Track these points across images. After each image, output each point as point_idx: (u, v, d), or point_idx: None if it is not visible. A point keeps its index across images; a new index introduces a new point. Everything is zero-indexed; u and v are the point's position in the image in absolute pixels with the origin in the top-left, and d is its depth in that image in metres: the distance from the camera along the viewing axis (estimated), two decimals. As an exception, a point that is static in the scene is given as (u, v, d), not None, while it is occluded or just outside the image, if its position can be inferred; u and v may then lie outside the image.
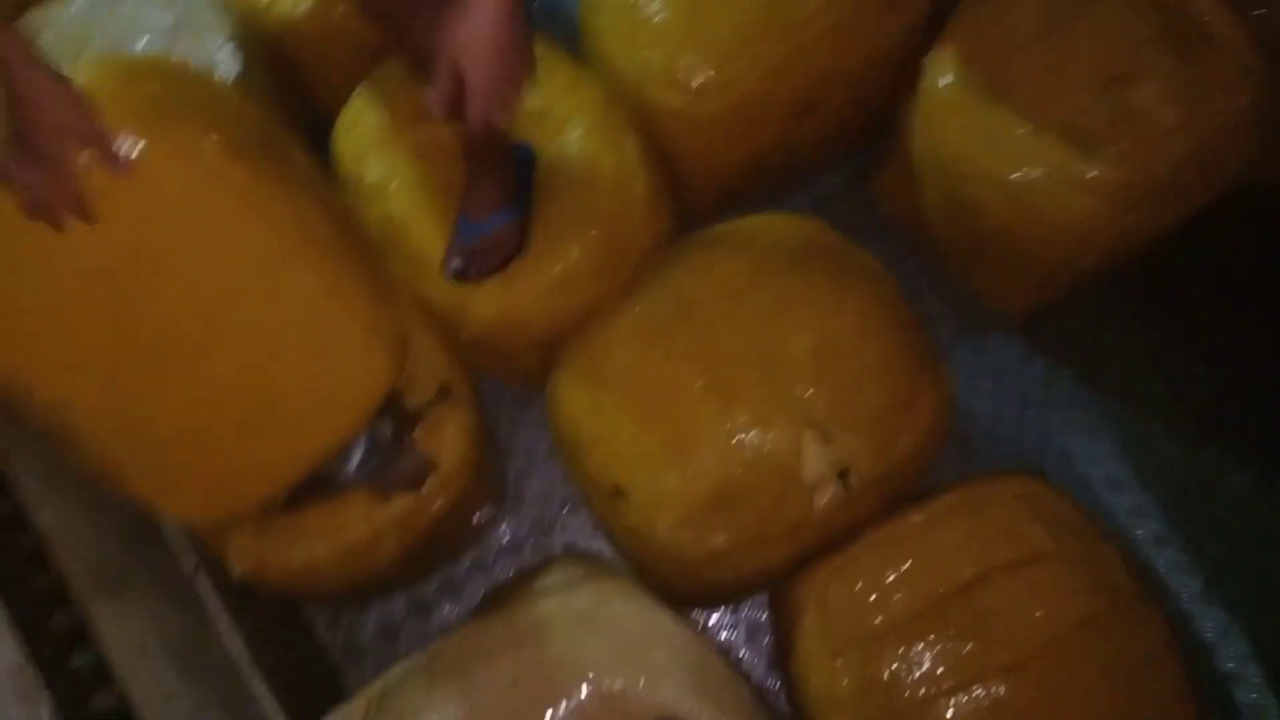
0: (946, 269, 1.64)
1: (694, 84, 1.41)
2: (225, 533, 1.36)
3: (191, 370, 1.12)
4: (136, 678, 1.06)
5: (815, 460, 1.22)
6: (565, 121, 1.45)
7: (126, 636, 1.11)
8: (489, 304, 1.39)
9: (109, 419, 1.11)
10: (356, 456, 1.35)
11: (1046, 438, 1.64)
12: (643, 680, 0.96)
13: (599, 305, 1.40)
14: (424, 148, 1.45)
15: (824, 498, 1.24)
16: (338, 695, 1.62)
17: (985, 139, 1.36)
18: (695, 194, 1.59)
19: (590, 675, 0.94)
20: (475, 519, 1.62)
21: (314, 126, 1.59)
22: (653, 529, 1.26)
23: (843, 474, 1.24)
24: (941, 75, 1.41)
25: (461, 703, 0.96)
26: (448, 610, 1.66)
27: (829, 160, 1.74)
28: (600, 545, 1.65)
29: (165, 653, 1.19)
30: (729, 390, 1.23)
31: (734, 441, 1.21)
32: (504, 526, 1.70)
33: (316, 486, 1.34)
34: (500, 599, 1.36)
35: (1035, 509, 1.29)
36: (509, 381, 1.68)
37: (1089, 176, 1.29)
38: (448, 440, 1.37)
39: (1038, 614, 1.18)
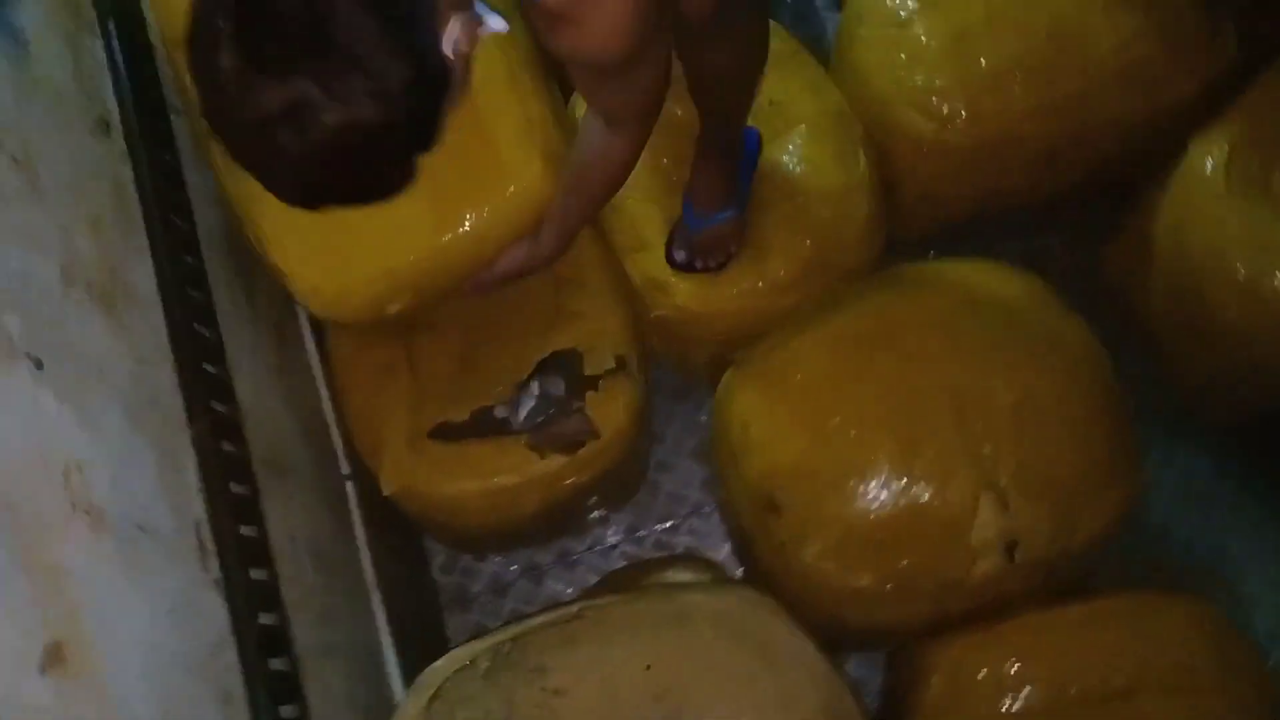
0: (1155, 354, 1.54)
1: (946, 111, 1.37)
2: (383, 447, 1.39)
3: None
4: (285, 561, 1.10)
5: (986, 525, 1.17)
6: (797, 122, 1.44)
7: (284, 521, 1.14)
8: (689, 291, 1.39)
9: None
10: (526, 407, 1.36)
11: (1222, 550, 1.52)
12: (777, 703, 0.92)
13: (792, 314, 1.38)
14: (667, 125, 1.45)
15: (984, 566, 1.18)
16: (438, 632, 1.65)
17: (1241, 235, 1.28)
18: (907, 223, 1.54)
19: (728, 688, 0.92)
20: (610, 498, 1.62)
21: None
22: (800, 551, 1.22)
23: (1010, 545, 1.18)
24: (1207, 157, 1.33)
25: (595, 670, 0.95)
26: (558, 581, 1.66)
27: (1049, 216, 1.67)
28: (722, 557, 1.63)
29: (309, 546, 1.22)
30: (916, 427, 1.18)
31: (908, 482, 1.17)
32: (631, 514, 1.69)
33: (484, 427, 1.36)
34: (625, 583, 1.35)
35: (1206, 636, 1.20)
36: (674, 370, 1.67)
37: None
38: (614, 413, 1.37)
39: (1184, 744, 1.09)
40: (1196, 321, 1.37)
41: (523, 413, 1.37)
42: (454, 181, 1.13)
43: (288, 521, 1.17)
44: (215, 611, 0.92)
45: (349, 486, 1.44)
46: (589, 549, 1.68)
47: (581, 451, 1.36)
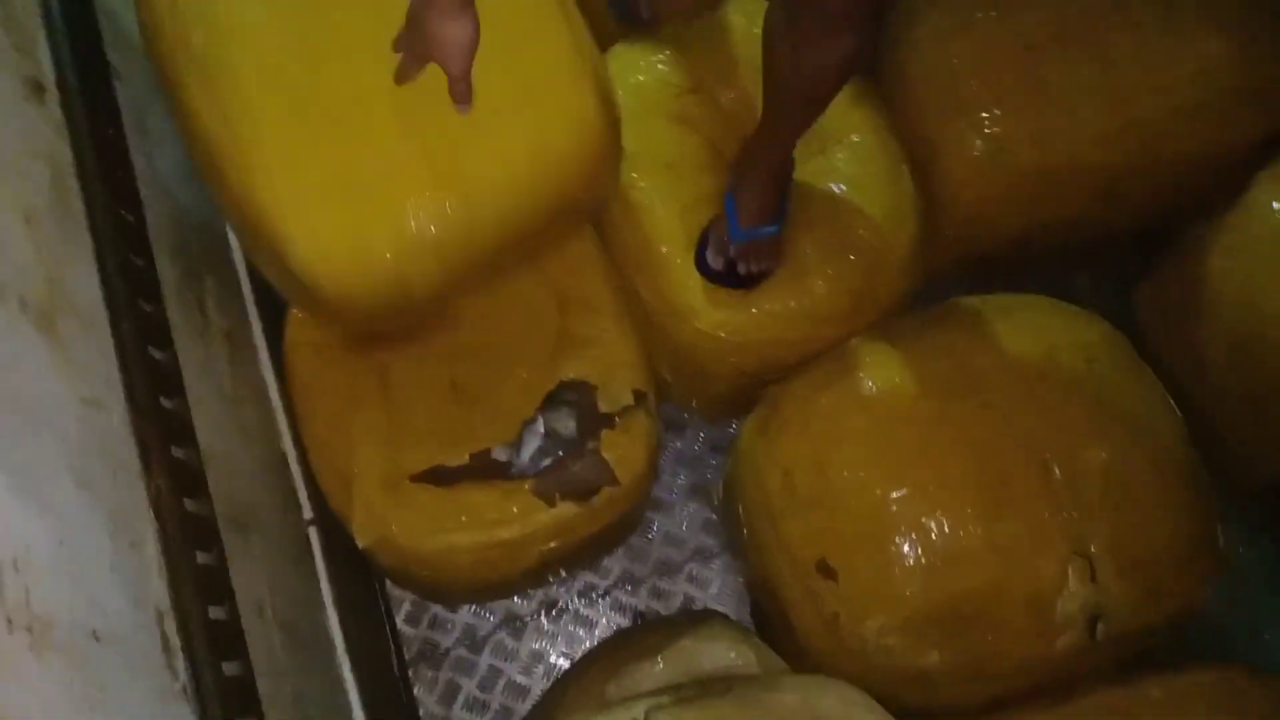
0: (1192, 406, 1.45)
1: (1005, 129, 1.24)
2: (354, 490, 1.18)
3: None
4: (256, 644, 0.88)
5: (1072, 597, 1.04)
6: (839, 137, 1.29)
7: (250, 591, 0.93)
8: (720, 314, 1.22)
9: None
10: (531, 447, 1.17)
11: (1257, 628, 1.44)
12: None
13: (833, 349, 1.22)
14: (686, 120, 1.28)
15: (1065, 641, 1.06)
16: (405, 693, 1.44)
17: (1319, 283, 1.19)
18: (941, 252, 1.41)
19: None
20: (605, 544, 1.43)
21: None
22: (858, 624, 1.07)
23: (1093, 619, 1.06)
24: (1276, 198, 1.24)
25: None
26: (542, 637, 1.47)
27: (1075, 251, 1.56)
28: (726, 605, 1.47)
29: (278, 617, 1.00)
30: (1001, 489, 1.05)
31: (992, 550, 1.03)
32: (623, 558, 1.51)
33: (481, 470, 1.16)
34: (644, 647, 1.17)
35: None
36: (680, 400, 1.49)
37: None
38: (632, 455, 1.19)
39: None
40: (1255, 374, 1.27)
41: (527, 454, 1.18)
42: (495, 118, 0.92)
43: (254, 591, 0.95)
44: (183, 730, 0.71)
45: (311, 533, 1.22)
46: (579, 593, 1.49)
47: (597, 499, 1.17)
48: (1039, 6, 1.27)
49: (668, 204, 1.24)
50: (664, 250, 1.25)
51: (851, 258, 1.24)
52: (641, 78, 1.31)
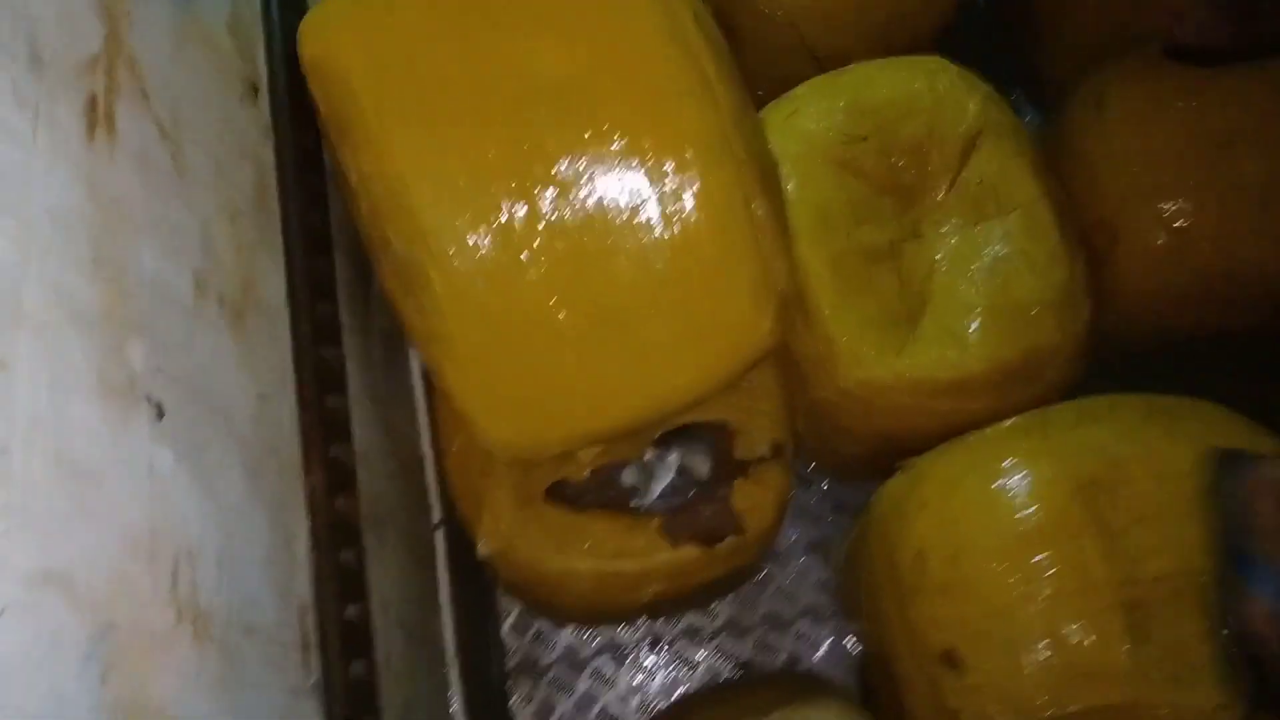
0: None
1: (1189, 223, 1.17)
2: (485, 500, 1.20)
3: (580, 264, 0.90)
4: (380, 644, 0.90)
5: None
6: (1011, 208, 1.24)
7: (379, 590, 0.95)
8: (866, 372, 1.19)
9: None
10: (663, 483, 1.17)
11: None
12: None
13: (984, 428, 1.17)
14: (850, 168, 1.26)
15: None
16: (502, 701, 1.45)
17: None
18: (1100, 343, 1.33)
19: None
20: (721, 588, 1.42)
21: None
22: (977, 721, 1.02)
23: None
24: None
25: None
26: (640, 669, 1.46)
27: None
28: (833, 670, 1.43)
29: (399, 617, 1.03)
30: (1140, 611, 0.98)
31: (1133, 671, 0.96)
32: (734, 603, 1.49)
33: (608, 492, 1.17)
34: (739, 709, 1.14)
35: None
36: (810, 454, 1.47)
37: None
38: (762, 507, 1.17)
39: None
40: None
41: (657, 488, 1.18)
42: (671, 336, 0.94)
43: (383, 590, 0.98)
44: (309, 727, 0.73)
45: (438, 536, 1.25)
46: (683, 631, 1.47)
47: (719, 546, 1.16)
48: (1241, 104, 1.19)
49: (819, 251, 1.22)
50: (814, 298, 1.23)
51: (1015, 333, 1.18)
52: (811, 125, 1.28)
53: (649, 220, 0.89)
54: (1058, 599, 1.00)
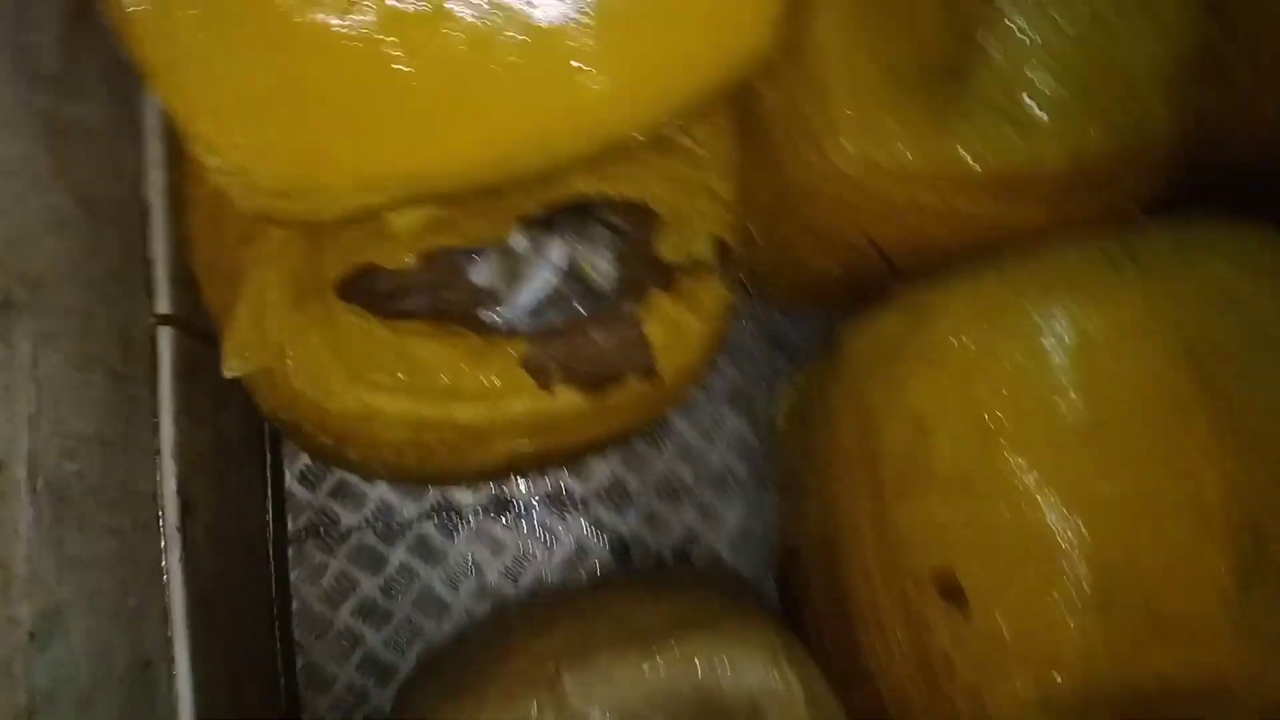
0: None
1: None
2: (239, 283, 0.73)
3: None
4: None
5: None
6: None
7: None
8: (892, 142, 0.75)
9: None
10: (537, 287, 0.72)
11: None
12: None
13: (1027, 246, 0.77)
14: None
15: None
16: (276, 579, 1.03)
17: None
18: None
19: None
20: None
21: None
22: (984, 682, 0.67)
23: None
24: None
25: None
26: (484, 542, 1.06)
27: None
28: (738, 559, 1.07)
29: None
30: (1258, 543, 0.63)
31: (1241, 625, 0.62)
32: (619, 460, 1.09)
33: (448, 301, 0.72)
34: (639, 630, 0.76)
35: None
36: (753, 271, 1.04)
37: None
38: (685, 337, 0.75)
39: None
40: None
41: (528, 294, 0.73)
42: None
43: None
44: None
45: (161, 336, 0.77)
46: (544, 502, 1.07)
47: (614, 392, 0.74)
48: None
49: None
50: (813, 20, 0.77)
51: (1110, 116, 0.77)
52: None
53: None
54: (1140, 513, 0.64)
